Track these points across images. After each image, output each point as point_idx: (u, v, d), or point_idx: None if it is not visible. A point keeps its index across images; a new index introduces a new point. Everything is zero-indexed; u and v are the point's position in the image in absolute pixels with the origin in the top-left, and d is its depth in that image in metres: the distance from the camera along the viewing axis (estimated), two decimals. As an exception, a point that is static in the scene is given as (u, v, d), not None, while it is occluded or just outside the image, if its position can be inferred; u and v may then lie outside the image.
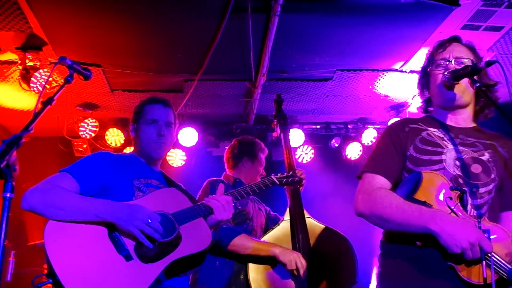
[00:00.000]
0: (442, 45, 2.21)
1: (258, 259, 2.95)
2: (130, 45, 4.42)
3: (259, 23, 4.06)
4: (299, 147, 6.25)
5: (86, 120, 5.64)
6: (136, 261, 2.11)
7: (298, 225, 3.06)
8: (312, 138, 6.36)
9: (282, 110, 3.64)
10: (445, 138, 2.09)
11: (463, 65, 2.07)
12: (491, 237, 1.76)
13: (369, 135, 6.36)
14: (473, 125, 2.21)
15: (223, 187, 2.59)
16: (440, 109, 2.22)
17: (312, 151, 6.36)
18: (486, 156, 2.07)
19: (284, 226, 3.12)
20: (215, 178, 3.33)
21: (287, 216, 3.15)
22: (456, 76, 2.04)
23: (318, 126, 6.43)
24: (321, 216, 3.24)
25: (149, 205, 2.28)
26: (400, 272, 1.96)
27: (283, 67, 4.95)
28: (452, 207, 1.87)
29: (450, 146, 2.06)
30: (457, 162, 2.01)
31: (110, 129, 5.86)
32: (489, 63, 1.89)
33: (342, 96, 5.71)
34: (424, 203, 1.88)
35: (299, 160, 6.25)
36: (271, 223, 3.49)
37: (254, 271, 2.95)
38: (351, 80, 5.29)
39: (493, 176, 2.03)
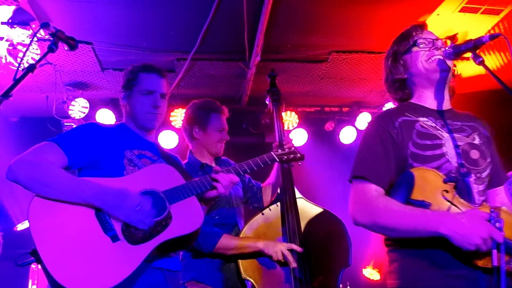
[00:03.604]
0: (419, 28, 2.16)
1: (244, 256, 2.88)
2: (121, 22, 4.31)
3: (253, 0, 3.95)
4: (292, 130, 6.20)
5: (76, 100, 5.52)
6: (123, 242, 2.03)
7: (289, 206, 2.98)
8: (306, 120, 6.29)
9: (276, 85, 3.46)
10: (437, 127, 2.03)
11: (448, 44, 2.05)
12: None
13: (364, 119, 6.30)
14: (451, 107, 2.16)
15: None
16: (422, 91, 2.13)
17: (307, 135, 6.30)
18: (477, 140, 2.04)
19: (274, 207, 3.04)
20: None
21: (278, 196, 3.08)
22: (458, 51, 1.98)
23: (312, 109, 6.36)
24: (314, 199, 3.18)
25: (140, 182, 2.19)
26: (428, 270, 1.89)
27: (277, 48, 4.86)
28: (451, 200, 1.83)
29: (446, 135, 2.01)
30: (458, 150, 1.97)
31: (101, 109, 5.75)
32: (493, 37, 1.82)
33: (337, 79, 5.64)
34: (422, 203, 1.83)
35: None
36: (252, 194, 3.42)
37: (244, 257, 2.89)
38: (346, 62, 5.22)
39: (488, 159, 2.02)
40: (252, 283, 2.82)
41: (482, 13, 4.29)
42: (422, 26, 2.18)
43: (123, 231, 2.05)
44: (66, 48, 2.02)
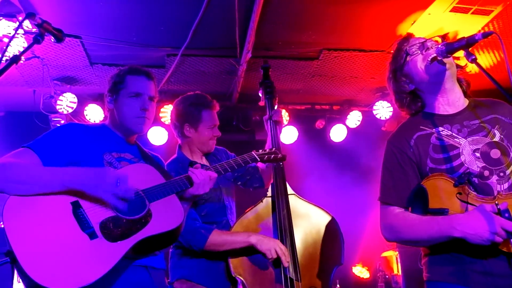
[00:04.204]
0: (405, 40, 2.19)
1: (236, 251, 2.82)
2: (111, 16, 4.25)
3: (245, -4, 3.94)
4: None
5: (64, 95, 5.44)
6: (101, 240, 2.01)
7: (280, 202, 2.91)
8: (296, 118, 6.27)
9: (269, 77, 3.35)
10: (454, 134, 2.04)
11: (440, 42, 2.06)
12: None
13: (354, 117, 6.31)
14: (468, 102, 2.15)
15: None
16: (433, 97, 2.13)
17: (297, 133, 6.29)
18: (497, 136, 2.03)
19: (265, 203, 2.98)
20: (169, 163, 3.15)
21: (269, 192, 3.01)
22: (450, 49, 1.96)
23: (303, 107, 6.35)
24: (304, 197, 3.15)
25: None
26: (457, 265, 1.97)
27: (269, 44, 4.84)
28: (466, 200, 1.91)
29: (463, 141, 2.02)
30: (477, 155, 1.99)
31: (89, 105, 5.69)
32: (486, 35, 1.81)
33: (328, 77, 5.63)
34: (440, 210, 1.93)
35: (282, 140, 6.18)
36: (250, 176, 3.34)
37: (234, 254, 2.84)
38: (337, 60, 5.21)
39: None
40: (242, 280, 2.78)
41: (472, 13, 4.30)
42: (407, 37, 2.21)
43: (101, 228, 2.02)
44: (52, 40, 1.98)
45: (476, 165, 1.97)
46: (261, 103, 3.33)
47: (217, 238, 2.82)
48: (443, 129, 2.06)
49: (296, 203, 3.01)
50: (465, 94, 2.18)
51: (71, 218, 2.01)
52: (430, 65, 2.05)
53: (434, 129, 2.07)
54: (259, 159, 2.66)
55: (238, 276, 2.78)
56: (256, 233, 2.82)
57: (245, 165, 2.62)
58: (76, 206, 2.03)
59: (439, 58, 2.01)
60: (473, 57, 1.86)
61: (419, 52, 2.10)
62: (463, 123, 2.07)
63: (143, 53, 4.85)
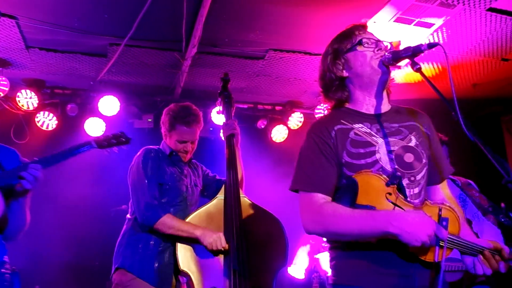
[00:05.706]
0: (362, 27, 2.16)
1: (182, 239, 2.96)
2: (52, -2, 4.04)
3: (194, -11, 3.88)
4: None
5: (-6, 78, 5.13)
6: None
7: (233, 203, 3.04)
8: (238, 117, 6.24)
9: (228, 89, 3.63)
10: (372, 132, 2.03)
11: (389, 48, 2.08)
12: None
13: (296, 119, 6.38)
14: (390, 106, 2.18)
15: None
16: (360, 94, 2.12)
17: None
18: (413, 141, 2.06)
19: (218, 202, 3.09)
20: (150, 147, 3.31)
21: (221, 193, 3.13)
22: (397, 57, 2.01)
23: (246, 106, 6.34)
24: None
25: None
26: (362, 268, 1.94)
27: (215, 41, 4.79)
28: (394, 202, 1.87)
29: (380, 141, 2.01)
30: (391, 156, 1.99)
31: (22, 91, 5.39)
32: (431, 45, 1.87)
33: (272, 77, 5.65)
34: (367, 207, 1.87)
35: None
36: (216, 187, 3.45)
37: (183, 248, 2.96)
38: (283, 61, 5.24)
39: (424, 161, 2.05)
40: (189, 277, 2.85)
41: (415, 25, 4.46)
42: (364, 26, 2.17)
43: None
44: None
45: (389, 166, 1.97)
46: (219, 112, 3.62)
47: (168, 221, 3.00)
48: (362, 126, 2.05)
49: (246, 205, 3.13)
50: (388, 97, 2.21)
51: None
52: (375, 65, 2.05)
53: (354, 125, 2.05)
54: (95, 146, 2.64)
55: (185, 269, 2.87)
56: (202, 227, 2.96)
57: (80, 151, 2.57)
58: None
59: (385, 64, 2.04)
60: (418, 66, 1.92)
61: (372, 48, 2.07)
62: (383, 124, 2.07)
63: (84, 40, 4.65)
